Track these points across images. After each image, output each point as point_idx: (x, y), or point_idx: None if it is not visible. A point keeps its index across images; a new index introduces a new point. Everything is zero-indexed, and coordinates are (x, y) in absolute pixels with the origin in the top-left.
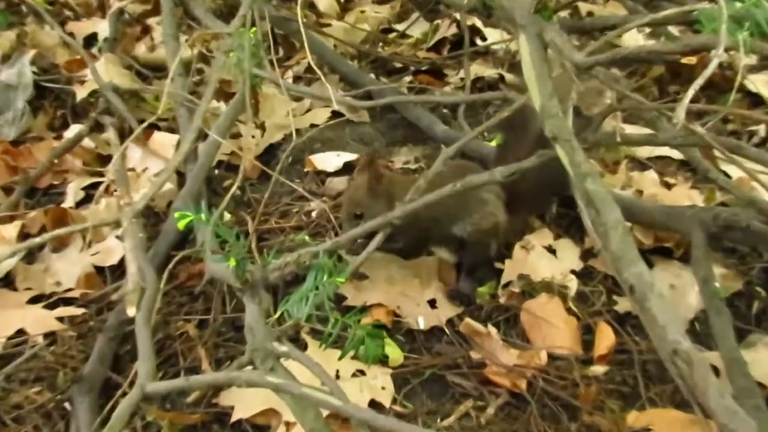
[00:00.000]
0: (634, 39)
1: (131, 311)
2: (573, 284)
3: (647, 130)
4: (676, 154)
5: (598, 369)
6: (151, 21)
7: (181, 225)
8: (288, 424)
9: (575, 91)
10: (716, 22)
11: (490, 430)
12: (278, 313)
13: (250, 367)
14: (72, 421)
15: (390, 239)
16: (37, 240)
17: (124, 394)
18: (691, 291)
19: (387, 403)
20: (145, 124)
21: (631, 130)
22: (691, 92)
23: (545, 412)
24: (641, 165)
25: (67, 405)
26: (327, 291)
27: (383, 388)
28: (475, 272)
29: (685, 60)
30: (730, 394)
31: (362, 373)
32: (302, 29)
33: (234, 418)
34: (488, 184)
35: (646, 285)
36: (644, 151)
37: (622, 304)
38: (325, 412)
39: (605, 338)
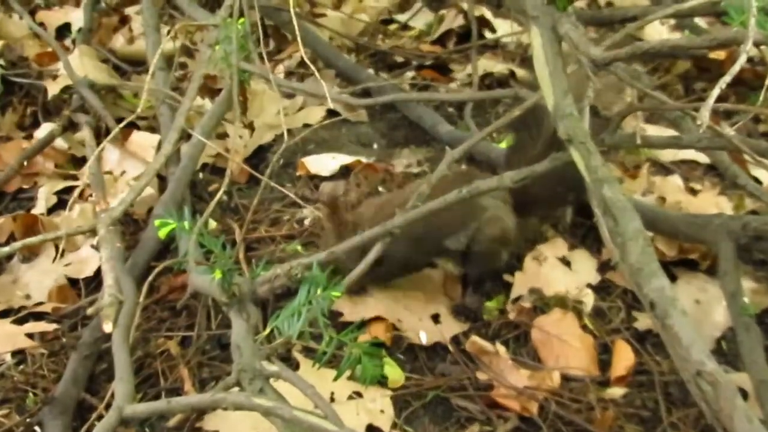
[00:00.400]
0: (657, 32)
1: (108, 327)
2: (589, 299)
3: (671, 132)
4: (703, 158)
5: (616, 391)
6: (130, 10)
7: (163, 233)
8: None
9: (592, 89)
10: (745, 15)
11: None
12: (268, 330)
13: (237, 389)
14: None
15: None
16: (6, 249)
17: (100, 417)
18: (717, 307)
19: (386, 428)
20: (123, 123)
21: (653, 131)
22: (717, 90)
23: None
24: (664, 169)
25: (37, 429)
26: (321, 306)
27: (382, 412)
28: (483, 285)
29: (712, 55)
30: (759, 419)
31: (359, 395)
32: (295, 20)
33: None
34: (497, 189)
35: (668, 300)
36: (667, 155)
37: (642, 321)
38: None
39: (624, 358)
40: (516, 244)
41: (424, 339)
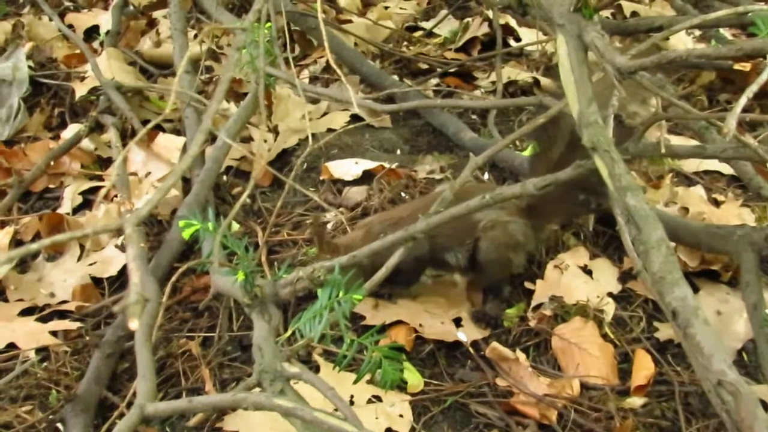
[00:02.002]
0: (682, 42)
1: (133, 324)
2: (610, 308)
3: (694, 142)
4: (726, 169)
5: (636, 401)
6: (158, 14)
7: (186, 234)
8: None
9: (617, 97)
10: None
11: None
12: (289, 332)
13: (257, 389)
14: None
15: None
16: (34, 246)
17: (121, 415)
18: (738, 318)
19: None
20: (150, 125)
21: (677, 141)
22: (743, 100)
23: None
24: (687, 180)
25: (59, 425)
26: (343, 309)
27: (401, 416)
28: (501, 293)
29: (737, 66)
30: None
31: (378, 399)
32: (322, 25)
33: None
34: (521, 196)
35: (691, 310)
36: (691, 165)
37: (663, 331)
38: None
39: (644, 367)
40: (528, 247)
41: (463, 338)
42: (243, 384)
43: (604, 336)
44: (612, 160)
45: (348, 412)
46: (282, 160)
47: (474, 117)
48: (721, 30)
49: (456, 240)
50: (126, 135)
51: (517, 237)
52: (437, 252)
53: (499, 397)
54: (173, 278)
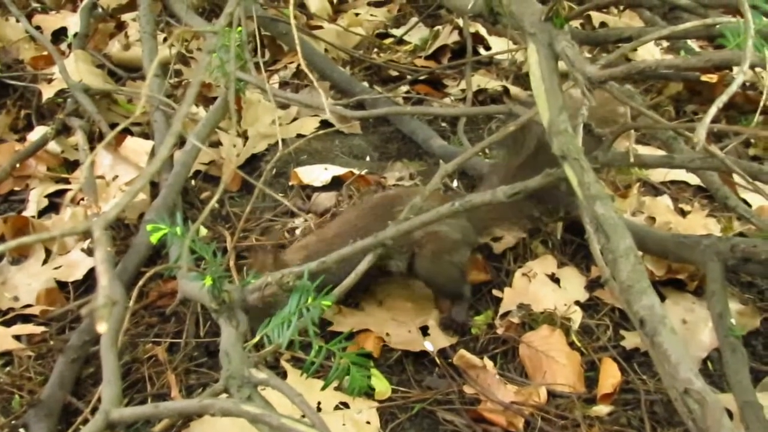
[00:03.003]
0: (650, 53)
1: (101, 327)
2: (577, 316)
3: (662, 152)
4: (693, 179)
5: (602, 409)
6: (127, 17)
7: (154, 238)
8: None
9: (586, 107)
10: (742, 37)
11: None
12: (257, 338)
13: (224, 395)
14: None
15: None
16: None
17: (86, 420)
18: (704, 327)
19: None
20: (118, 129)
21: (644, 152)
22: (713, 110)
23: None
24: (654, 189)
25: (22, 431)
26: (311, 315)
27: (368, 423)
28: (462, 294)
29: (704, 78)
30: None
31: (346, 405)
32: (294, 30)
33: None
34: (491, 203)
35: (658, 318)
36: (658, 175)
37: (630, 340)
38: None
39: (610, 376)
40: (469, 239)
41: (430, 347)
42: (210, 390)
43: (571, 344)
44: (581, 169)
45: (315, 419)
46: (251, 165)
47: (444, 124)
48: (689, 42)
49: (396, 247)
50: (93, 138)
51: (452, 237)
52: (381, 259)
53: (466, 405)
54: (140, 283)
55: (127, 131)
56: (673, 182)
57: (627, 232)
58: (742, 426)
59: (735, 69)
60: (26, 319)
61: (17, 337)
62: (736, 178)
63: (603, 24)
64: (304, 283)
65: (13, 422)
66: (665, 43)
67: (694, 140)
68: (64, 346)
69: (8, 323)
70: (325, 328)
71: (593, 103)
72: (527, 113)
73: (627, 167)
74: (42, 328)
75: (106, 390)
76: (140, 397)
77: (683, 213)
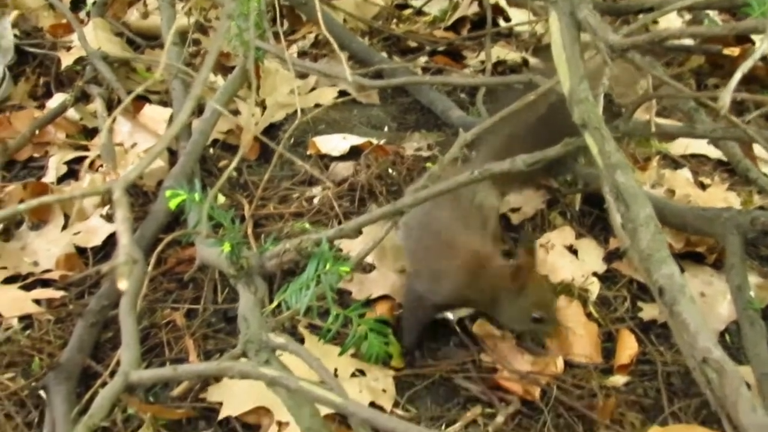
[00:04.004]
0: (672, 24)
1: (122, 285)
2: (595, 288)
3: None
4: (713, 153)
5: (619, 379)
6: None
7: (173, 204)
8: (280, 424)
9: (607, 76)
10: (767, 5)
11: None
12: (275, 303)
13: (243, 359)
14: (47, 411)
15: None
16: (21, 207)
17: (105, 383)
18: (722, 301)
19: (388, 407)
20: (134, 94)
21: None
22: (738, 75)
23: (559, 423)
24: (674, 163)
25: (42, 393)
26: (329, 281)
27: (384, 391)
28: None
29: (727, 51)
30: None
31: (362, 373)
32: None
33: (222, 415)
34: (510, 172)
35: (677, 287)
36: (678, 148)
37: (647, 311)
38: (322, 411)
39: (627, 347)
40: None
41: (450, 316)
42: (228, 354)
43: (589, 315)
44: (602, 138)
45: (333, 383)
46: (269, 134)
47: (462, 95)
48: (711, 14)
49: None
50: (112, 106)
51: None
52: None
53: (483, 373)
54: (158, 248)
55: (145, 99)
56: (693, 155)
57: (647, 200)
58: (760, 398)
59: (758, 38)
60: (46, 283)
61: (37, 301)
62: (758, 152)
63: None
64: (323, 248)
65: (33, 384)
66: (687, 17)
67: (718, 106)
68: (83, 311)
69: (28, 287)
70: (344, 297)
71: (615, 72)
72: (547, 83)
73: (648, 137)
74: (61, 293)
75: (125, 353)
76: (158, 362)
77: (703, 186)
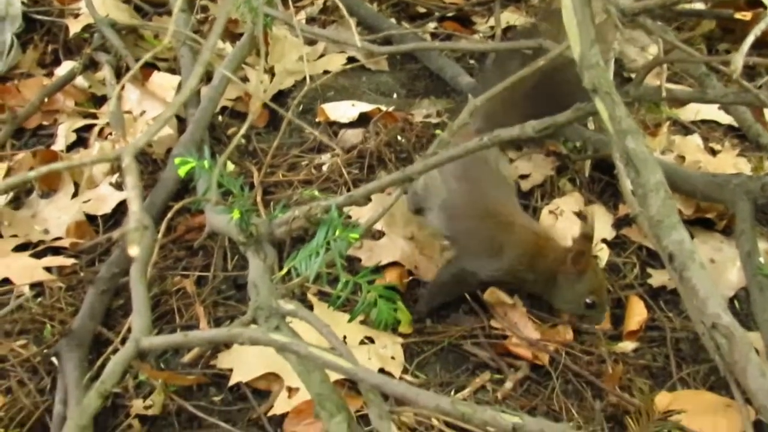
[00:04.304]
0: None
1: (133, 251)
2: (604, 254)
3: None
4: (723, 118)
5: (628, 345)
6: None
7: (182, 171)
8: (290, 390)
9: (618, 41)
10: None
11: (507, 405)
12: (284, 270)
13: (253, 326)
14: (59, 377)
15: None
16: (31, 174)
17: (116, 350)
18: (732, 267)
19: (397, 373)
20: (142, 61)
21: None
22: (751, 38)
23: (568, 389)
24: (684, 129)
25: (54, 360)
26: (339, 248)
27: (393, 358)
28: None
29: (738, 15)
30: None
31: (371, 340)
32: None
33: (232, 381)
34: (520, 138)
35: (687, 253)
36: (688, 114)
37: (657, 278)
38: (332, 377)
39: (636, 313)
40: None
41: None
42: (238, 321)
43: None
44: (613, 103)
45: (343, 349)
46: (278, 101)
47: (472, 62)
48: None
49: None
50: (120, 73)
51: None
52: None
53: (492, 340)
54: (168, 216)
55: (154, 67)
56: (703, 121)
57: (658, 166)
58: None
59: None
60: (56, 251)
61: (48, 269)
62: None
63: None
64: (332, 215)
65: (45, 351)
66: None
67: (730, 69)
68: (94, 278)
69: (39, 255)
70: (353, 264)
71: (626, 36)
72: (557, 48)
73: (658, 102)
74: (72, 260)
75: (136, 319)
76: (169, 329)
77: (713, 152)
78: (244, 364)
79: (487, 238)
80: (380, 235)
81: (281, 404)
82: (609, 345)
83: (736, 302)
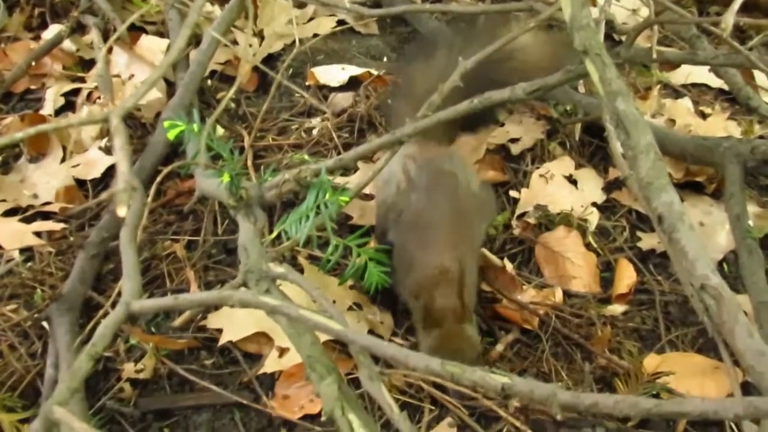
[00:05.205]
0: None
1: (122, 211)
2: (594, 218)
3: None
4: (714, 82)
5: (617, 308)
6: None
7: (172, 135)
8: (281, 350)
9: (608, 1)
10: None
11: (498, 367)
12: (275, 234)
13: (243, 289)
14: (50, 341)
15: None
16: (18, 135)
17: (106, 314)
18: (721, 230)
19: (386, 337)
20: (128, 22)
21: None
22: None
23: (558, 351)
24: (675, 92)
25: (45, 324)
26: (329, 211)
27: (382, 323)
28: None
29: None
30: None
31: (359, 307)
32: None
33: (222, 340)
34: (510, 100)
35: (676, 215)
36: (678, 77)
37: (646, 241)
38: (323, 339)
39: (626, 276)
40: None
41: None
42: (229, 284)
43: (588, 245)
44: (603, 64)
45: (333, 311)
46: (267, 65)
47: (463, 26)
48: None
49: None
50: (108, 36)
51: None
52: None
53: (483, 303)
54: (157, 180)
55: (142, 30)
56: (694, 85)
57: (648, 128)
58: (756, 325)
59: None
60: (46, 216)
61: (38, 234)
62: (760, 81)
63: None
64: (322, 178)
65: (36, 316)
66: None
67: (720, 28)
68: (83, 242)
69: (28, 220)
70: (343, 228)
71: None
72: (549, 9)
73: (649, 64)
74: (62, 225)
75: (126, 283)
76: (159, 293)
77: (704, 116)
78: (234, 324)
79: (407, 253)
80: (371, 197)
81: (272, 364)
82: (598, 308)
83: (724, 265)
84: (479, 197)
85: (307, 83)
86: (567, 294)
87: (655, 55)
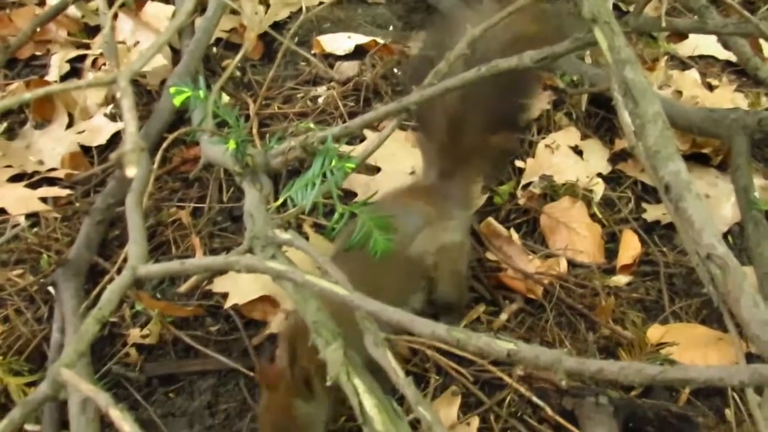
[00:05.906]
0: None
1: (130, 172)
2: (599, 188)
3: None
4: (721, 54)
5: (621, 279)
6: None
7: (177, 101)
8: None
9: None
10: None
11: (502, 336)
12: (280, 200)
13: (249, 255)
14: (56, 306)
15: None
16: (26, 96)
17: (112, 280)
18: (726, 203)
19: None
20: None
21: None
22: None
23: (562, 321)
24: (682, 64)
25: (51, 289)
26: (335, 178)
27: None
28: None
29: None
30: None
31: None
32: None
33: (228, 304)
34: (517, 68)
35: (683, 184)
36: (686, 49)
37: (651, 212)
38: None
39: (630, 247)
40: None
41: None
42: (234, 250)
43: (593, 216)
44: (612, 33)
45: (339, 276)
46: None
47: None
48: None
49: (410, 289)
50: (113, 3)
51: (457, 241)
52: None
53: (487, 272)
54: (163, 147)
55: None
56: (701, 57)
57: (656, 97)
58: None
59: None
60: (51, 182)
61: (43, 200)
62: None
63: None
64: (329, 145)
65: (42, 281)
66: None
67: None
68: (89, 208)
69: (34, 186)
70: (349, 198)
71: None
72: None
73: (657, 33)
74: (67, 191)
75: (133, 248)
76: (165, 259)
77: (711, 87)
78: (240, 288)
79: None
80: (378, 171)
81: (278, 326)
82: (603, 278)
83: (730, 237)
84: (417, 263)
85: (312, 52)
86: (571, 264)
87: (663, 24)
